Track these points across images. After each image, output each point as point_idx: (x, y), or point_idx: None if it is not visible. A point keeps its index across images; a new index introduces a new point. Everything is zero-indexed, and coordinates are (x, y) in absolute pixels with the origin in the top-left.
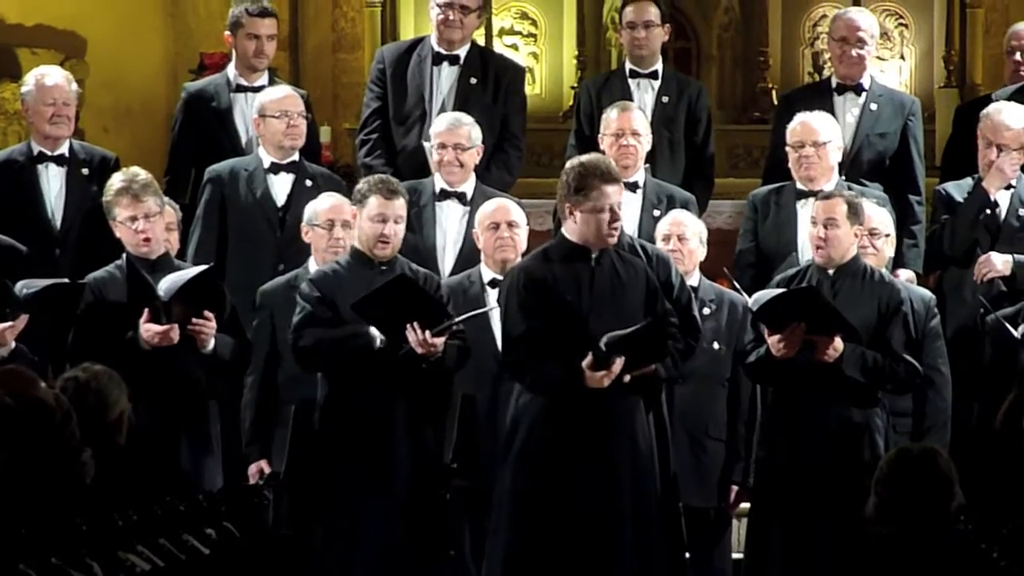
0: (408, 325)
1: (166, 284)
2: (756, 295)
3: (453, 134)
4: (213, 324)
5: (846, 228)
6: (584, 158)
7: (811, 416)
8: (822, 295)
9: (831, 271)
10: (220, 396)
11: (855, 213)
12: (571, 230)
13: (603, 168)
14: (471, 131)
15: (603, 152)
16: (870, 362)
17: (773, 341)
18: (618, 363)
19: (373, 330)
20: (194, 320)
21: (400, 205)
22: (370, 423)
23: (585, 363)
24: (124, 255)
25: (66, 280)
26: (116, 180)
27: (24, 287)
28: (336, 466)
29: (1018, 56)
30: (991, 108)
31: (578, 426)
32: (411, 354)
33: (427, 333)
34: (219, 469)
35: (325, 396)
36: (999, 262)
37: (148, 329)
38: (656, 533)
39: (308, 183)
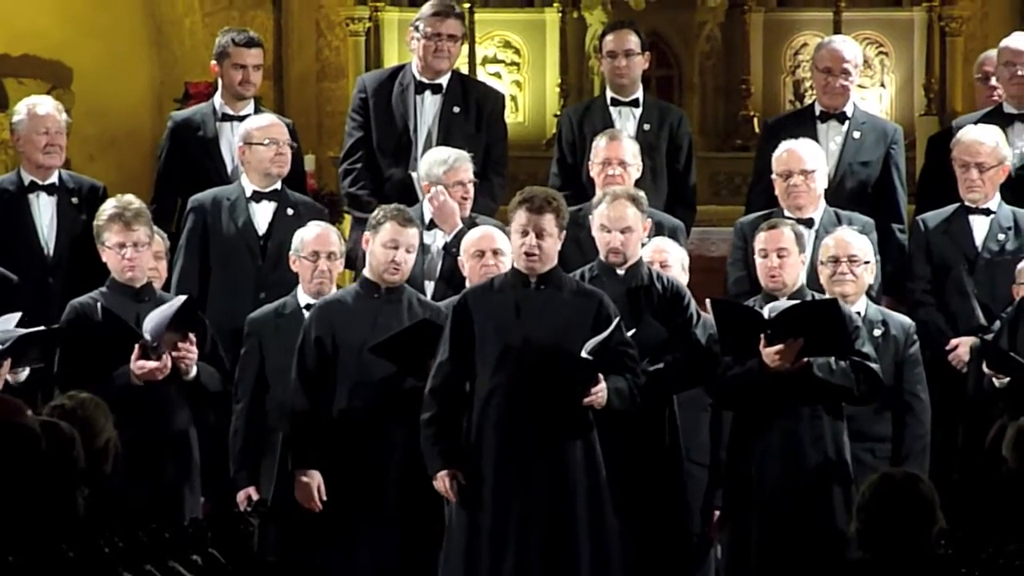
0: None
1: (151, 324)
2: (769, 306)
3: (458, 172)
4: (195, 350)
5: (795, 255)
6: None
7: (775, 433)
8: (841, 308)
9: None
10: (203, 425)
11: (799, 240)
12: None
13: (526, 196)
14: (470, 167)
15: (591, 180)
16: (836, 366)
17: (770, 352)
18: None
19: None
20: (179, 346)
21: (412, 234)
22: (368, 450)
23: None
24: (108, 280)
25: (42, 328)
26: (109, 206)
27: None
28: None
29: (993, 81)
30: (961, 133)
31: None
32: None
33: None
34: (199, 499)
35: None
36: (964, 352)
37: (142, 367)
38: (586, 549)
39: (290, 211)
